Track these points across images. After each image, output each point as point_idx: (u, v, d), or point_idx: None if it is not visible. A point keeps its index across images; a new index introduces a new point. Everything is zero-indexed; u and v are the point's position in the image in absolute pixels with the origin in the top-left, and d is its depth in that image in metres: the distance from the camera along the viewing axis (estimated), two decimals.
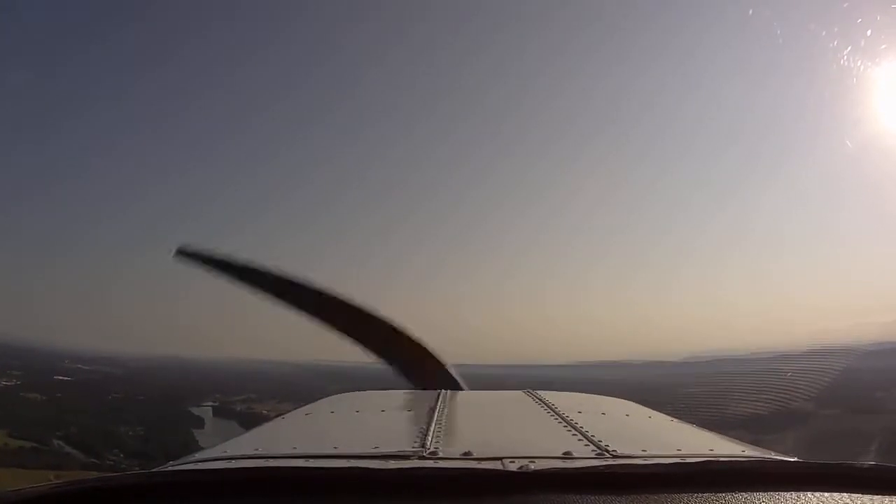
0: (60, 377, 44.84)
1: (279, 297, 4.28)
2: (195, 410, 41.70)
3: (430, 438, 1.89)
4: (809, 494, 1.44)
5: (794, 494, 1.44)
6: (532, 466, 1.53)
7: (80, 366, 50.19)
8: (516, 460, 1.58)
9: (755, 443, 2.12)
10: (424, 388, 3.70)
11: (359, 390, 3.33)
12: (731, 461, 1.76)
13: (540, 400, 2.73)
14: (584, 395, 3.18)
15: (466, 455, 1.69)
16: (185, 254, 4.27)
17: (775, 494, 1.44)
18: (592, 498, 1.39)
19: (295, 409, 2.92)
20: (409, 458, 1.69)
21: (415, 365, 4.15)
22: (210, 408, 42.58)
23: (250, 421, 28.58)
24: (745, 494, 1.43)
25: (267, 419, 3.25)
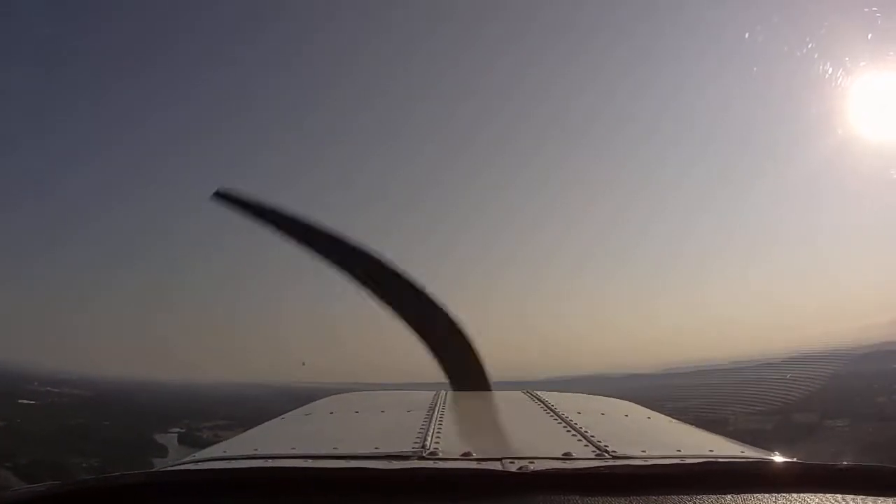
0: (24, 401, 42.45)
1: (321, 253, 3.89)
2: (159, 438, 39.78)
3: (429, 439, 1.89)
4: (809, 495, 1.44)
5: (794, 495, 1.44)
6: (532, 467, 1.53)
7: (48, 388, 47.84)
8: (516, 461, 1.58)
9: None
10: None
11: None
12: (730, 462, 1.77)
13: (539, 400, 2.72)
14: (583, 395, 3.18)
15: (466, 455, 1.69)
16: (223, 197, 3.88)
17: (775, 495, 1.43)
18: (592, 498, 1.39)
19: None
20: (408, 459, 1.69)
21: (461, 366, 3.76)
22: (175, 435, 40.59)
23: None
24: (744, 495, 1.42)
25: None
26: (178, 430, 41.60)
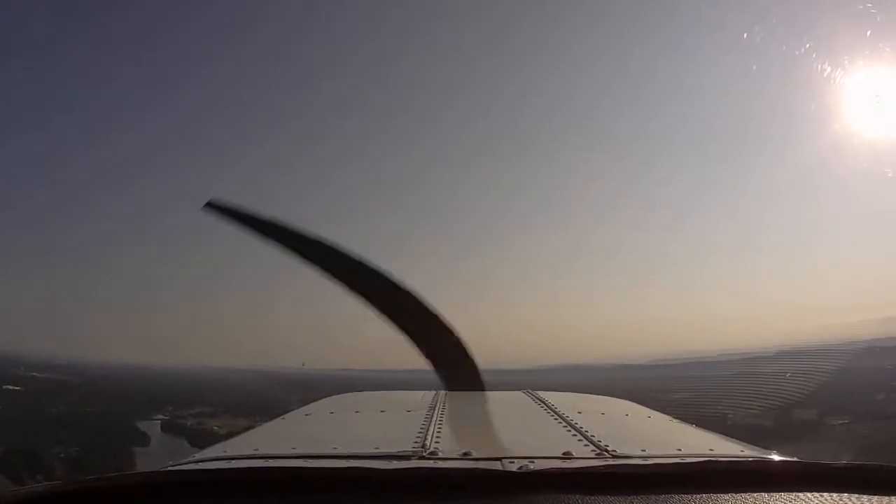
0: (9, 386, 41.83)
1: (311, 261, 3.98)
2: (141, 425, 38.89)
3: (429, 438, 1.90)
4: (809, 494, 1.44)
5: (794, 494, 1.44)
6: (532, 466, 1.53)
7: (34, 373, 47.42)
8: (516, 460, 1.58)
9: None
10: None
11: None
12: (730, 461, 1.77)
13: (539, 400, 2.75)
14: (583, 395, 3.21)
15: (466, 455, 1.70)
16: (215, 207, 3.99)
17: (775, 494, 1.43)
18: (592, 498, 1.39)
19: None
20: (408, 458, 1.70)
21: (452, 365, 3.77)
22: (158, 422, 40.07)
23: (200, 438, 26.67)
24: (744, 494, 1.43)
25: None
26: (161, 417, 41.10)
